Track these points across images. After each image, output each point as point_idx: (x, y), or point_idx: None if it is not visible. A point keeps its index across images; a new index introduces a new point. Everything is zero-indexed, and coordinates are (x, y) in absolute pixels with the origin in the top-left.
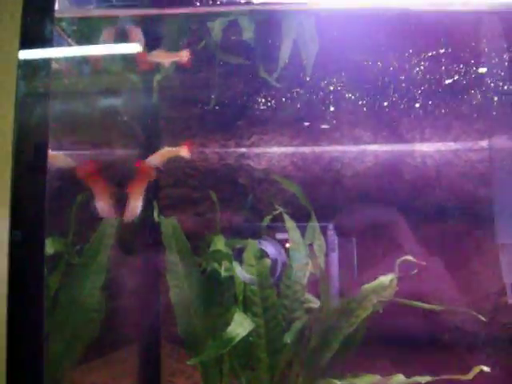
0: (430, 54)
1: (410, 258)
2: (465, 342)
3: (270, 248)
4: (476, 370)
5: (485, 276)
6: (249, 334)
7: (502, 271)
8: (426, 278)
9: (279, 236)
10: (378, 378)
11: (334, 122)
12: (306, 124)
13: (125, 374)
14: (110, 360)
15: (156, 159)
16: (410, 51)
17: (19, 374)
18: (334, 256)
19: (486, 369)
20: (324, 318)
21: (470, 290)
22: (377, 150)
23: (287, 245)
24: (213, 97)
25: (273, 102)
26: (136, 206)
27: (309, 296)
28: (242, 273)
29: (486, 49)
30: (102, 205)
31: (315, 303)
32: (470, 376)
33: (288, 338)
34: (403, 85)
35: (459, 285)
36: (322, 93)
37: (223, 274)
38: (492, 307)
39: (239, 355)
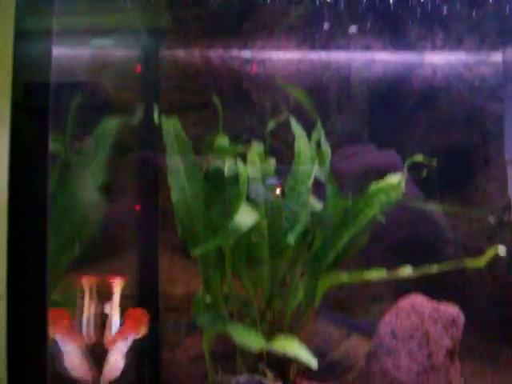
0: None
1: (420, 157)
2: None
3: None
4: (489, 253)
5: (490, 192)
6: (251, 235)
7: (509, 186)
8: None
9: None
10: (384, 272)
11: (344, 27)
12: (314, 29)
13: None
14: (108, 265)
15: (116, 317)
16: None
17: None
18: None
19: (501, 252)
20: (329, 218)
21: (475, 205)
22: (386, 58)
23: (277, 190)
24: None
25: (280, 5)
26: (118, 362)
27: (313, 199)
28: None
29: None
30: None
31: (319, 207)
32: (482, 262)
33: (291, 239)
34: None
35: (463, 200)
36: None
37: (227, 172)
38: (496, 223)
39: (241, 255)
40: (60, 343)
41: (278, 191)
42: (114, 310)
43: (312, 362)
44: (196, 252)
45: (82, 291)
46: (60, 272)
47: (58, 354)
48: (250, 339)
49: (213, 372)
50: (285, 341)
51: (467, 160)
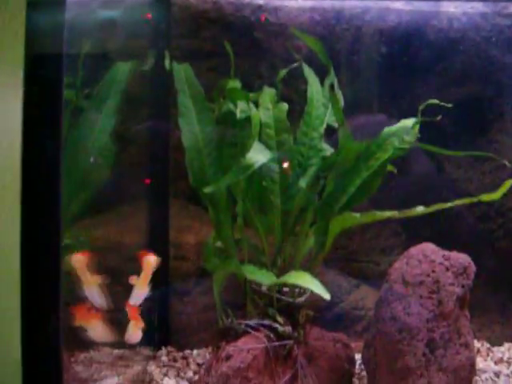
0: None
1: (435, 101)
2: (477, 211)
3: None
4: (506, 185)
5: (504, 145)
6: (263, 179)
7: None
8: None
9: None
10: (396, 212)
11: None
12: None
13: (133, 230)
14: (119, 215)
15: (141, 291)
16: None
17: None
18: None
19: None
20: (341, 162)
21: (488, 158)
22: (401, 8)
23: (285, 164)
24: None
25: None
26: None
27: (326, 145)
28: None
29: None
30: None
31: (332, 151)
32: (498, 195)
33: (303, 183)
34: None
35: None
36: None
37: (239, 115)
38: (508, 176)
39: (252, 199)
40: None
41: (285, 165)
42: (140, 284)
43: (325, 293)
44: (208, 190)
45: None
46: (70, 218)
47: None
48: (262, 275)
49: (223, 316)
50: (297, 274)
51: (482, 112)
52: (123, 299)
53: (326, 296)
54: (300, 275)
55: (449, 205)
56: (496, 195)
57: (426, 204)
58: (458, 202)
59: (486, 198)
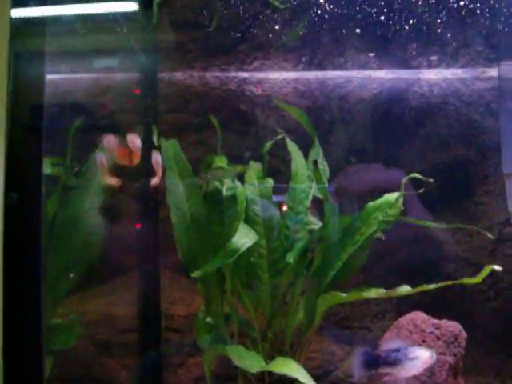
0: None
1: (417, 175)
2: (467, 273)
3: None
4: (485, 271)
5: (490, 206)
6: (251, 254)
7: (508, 200)
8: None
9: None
10: (383, 290)
11: (339, 47)
12: (310, 49)
13: (124, 303)
14: (110, 288)
15: None
16: None
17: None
18: None
19: (497, 268)
20: (327, 237)
21: (474, 220)
22: (382, 76)
23: (284, 208)
24: (214, 19)
25: (276, 25)
26: None
27: (312, 218)
28: None
29: None
30: None
31: (319, 225)
32: (479, 279)
33: (290, 258)
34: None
35: (463, 215)
36: (326, 16)
37: (225, 192)
38: (495, 238)
39: (241, 275)
40: None
41: (284, 208)
42: None
43: (310, 382)
44: (196, 274)
45: None
46: (61, 295)
47: None
48: (251, 361)
49: None
50: (283, 362)
51: (466, 175)
52: (116, 372)
53: None
54: (286, 363)
55: (432, 287)
56: (477, 279)
57: (414, 266)
58: (441, 284)
59: (467, 281)
